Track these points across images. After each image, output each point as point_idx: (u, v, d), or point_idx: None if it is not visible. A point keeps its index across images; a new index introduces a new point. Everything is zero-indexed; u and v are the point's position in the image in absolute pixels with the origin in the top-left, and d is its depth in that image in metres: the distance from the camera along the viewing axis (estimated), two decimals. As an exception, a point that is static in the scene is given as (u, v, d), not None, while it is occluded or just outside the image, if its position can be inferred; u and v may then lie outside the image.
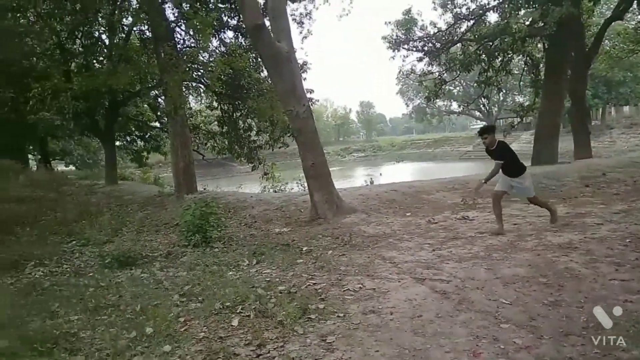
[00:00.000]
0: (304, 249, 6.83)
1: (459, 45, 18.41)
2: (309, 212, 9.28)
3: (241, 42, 16.27)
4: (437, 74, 19.76)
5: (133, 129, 21.87)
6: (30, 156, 26.16)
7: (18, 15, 13.94)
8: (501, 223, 6.74)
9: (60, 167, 29.81)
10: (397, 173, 34.14)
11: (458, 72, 18.71)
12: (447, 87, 28.52)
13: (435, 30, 18.50)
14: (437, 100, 35.52)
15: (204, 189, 14.86)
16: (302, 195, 11.27)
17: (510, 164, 6.66)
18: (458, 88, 61.38)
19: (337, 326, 3.96)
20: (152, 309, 4.58)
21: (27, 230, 8.18)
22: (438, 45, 18.30)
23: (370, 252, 6.37)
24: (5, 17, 13.01)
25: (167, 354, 3.67)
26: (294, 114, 9.13)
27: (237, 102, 16.88)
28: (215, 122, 19.39)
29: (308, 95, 12.58)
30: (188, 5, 13.98)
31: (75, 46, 16.65)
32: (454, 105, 65.62)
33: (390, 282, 5.01)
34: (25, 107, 16.32)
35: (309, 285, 5.15)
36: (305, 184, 10.23)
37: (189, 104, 19.23)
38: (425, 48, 18.66)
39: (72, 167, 30.73)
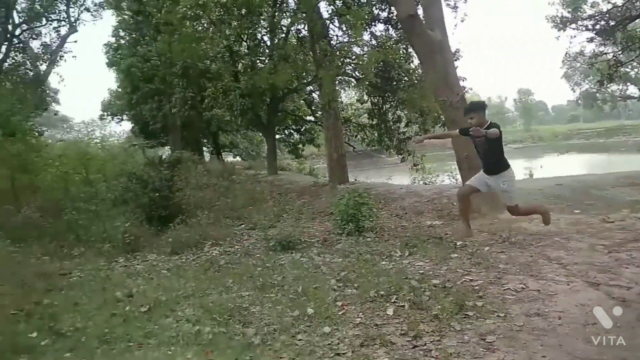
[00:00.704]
0: (458, 243, 6.64)
1: (638, 21, 15.99)
2: (462, 206, 8.97)
3: (391, 34, 16.25)
4: (611, 54, 17.44)
5: (290, 122, 23.34)
6: (204, 149, 29.54)
7: (194, 23, 15.78)
8: (467, 223, 5.38)
9: (228, 159, 33.06)
10: (562, 165, 31.06)
11: (638, 52, 16.27)
12: (623, 69, 24.95)
13: (610, 7, 16.31)
14: (611, 85, 31.23)
15: (355, 179, 15.28)
16: (455, 187, 10.92)
17: (490, 155, 4.94)
18: (637, 70, 53.16)
19: (498, 326, 3.80)
20: (312, 291, 4.89)
21: (205, 214, 9.32)
22: (612, 22, 16.10)
23: (533, 251, 5.94)
24: (184, 25, 14.82)
25: (327, 335, 3.91)
26: (447, 104, 8.87)
27: (387, 94, 16.96)
28: (365, 115, 19.71)
29: (460, 83, 12.09)
30: (341, 1, 14.41)
31: (241, 48, 18.26)
32: (632, 90, 56.98)
33: (558, 284, 4.63)
34: (201, 105, 18.53)
35: (465, 281, 5.01)
36: (458, 176, 9.90)
37: (341, 97, 19.83)
38: (597, 27, 16.57)
39: (238, 158, 33.89)
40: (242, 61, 18.07)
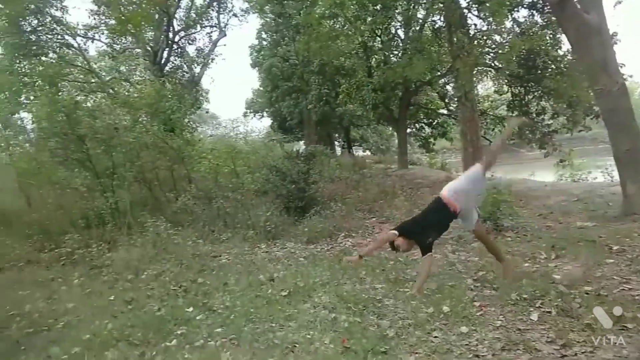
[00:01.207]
0: (614, 247, 5.93)
1: None
2: (620, 206, 7.98)
3: (537, 20, 14.98)
4: None
5: (422, 116, 22.89)
6: (336, 143, 30.37)
7: (331, 21, 16.23)
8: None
9: (358, 153, 33.56)
10: None
11: None
12: None
13: None
14: None
15: (492, 175, 14.45)
16: (610, 186, 9.77)
17: None
18: None
19: (663, 343, 3.34)
20: (447, 289, 4.76)
21: (338, 206, 9.58)
22: None
23: None
24: (322, 25, 15.32)
25: (464, 334, 3.77)
26: (605, 92, 7.93)
27: (529, 84, 15.71)
28: (504, 107, 18.53)
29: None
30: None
31: (375, 43, 18.35)
32: None
33: None
34: (335, 101, 19.05)
35: (623, 289, 4.47)
36: (614, 173, 8.83)
37: (477, 89, 18.89)
38: None
39: (367, 152, 34.22)
40: (376, 56, 18.14)
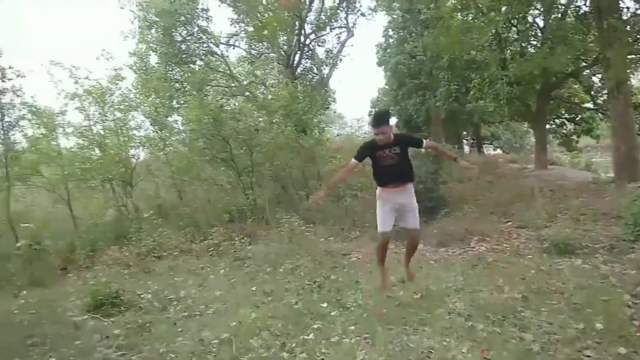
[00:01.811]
0: None
1: None
2: None
3: None
4: None
5: (563, 111, 20.99)
6: (464, 141, 29.18)
7: (464, 13, 15.58)
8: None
9: (487, 151, 31.90)
10: None
11: None
12: None
13: None
14: None
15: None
16: None
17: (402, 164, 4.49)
18: None
19: None
20: (600, 303, 4.33)
21: (470, 208, 9.22)
22: None
23: None
24: (454, 18, 14.78)
25: (622, 356, 3.43)
26: None
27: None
28: (663, 99, 16.23)
29: None
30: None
31: (510, 34, 17.25)
32: None
33: None
34: (465, 97, 18.30)
35: None
36: None
37: (631, 80, 16.78)
38: None
39: (498, 151, 32.36)
40: (511, 48, 17.06)
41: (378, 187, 4.64)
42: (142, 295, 6.11)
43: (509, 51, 16.96)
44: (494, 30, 15.69)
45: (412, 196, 4.65)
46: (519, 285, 5.19)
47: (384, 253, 4.83)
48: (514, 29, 16.67)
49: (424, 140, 4.72)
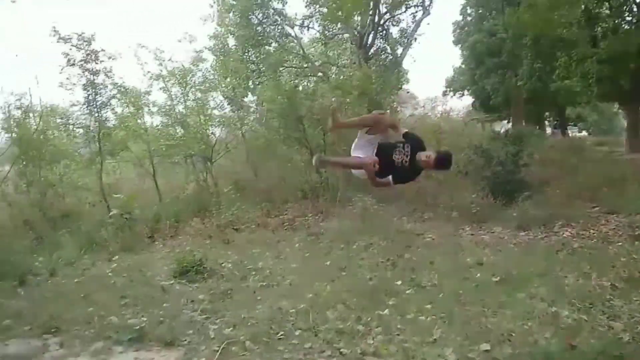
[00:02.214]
0: None
1: None
2: None
3: None
4: None
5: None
6: (546, 122, 27.63)
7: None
8: None
9: (572, 133, 29.99)
10: None
11: None
12: None
13: None
14: None
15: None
16: None
17: None
18: None
19: None
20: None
21: (554, 192, 8.76)
22: None
23: None
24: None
25: None
26: None
27: None
28: None
29: None
30: None
31: (602, 10, 16.00)
32: None
33: None
34: (550, 77, 17.26)
35: None
36: None
37: None
38: None
39: (584, 133, 30.35)
40: (602, 24, 15.82)
41: None
42: (223, 265, 6.43)
43: (599, 28, 15.76)
44: (583, 6, 14.62)
45: None
46: (608, 273, 4.91)
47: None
48: (606, 4, 15.45)
49: None
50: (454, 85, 27.85)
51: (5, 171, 11.35)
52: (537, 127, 20.46)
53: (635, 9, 15.10)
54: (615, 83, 15.55)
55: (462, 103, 28.99)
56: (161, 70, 11.82)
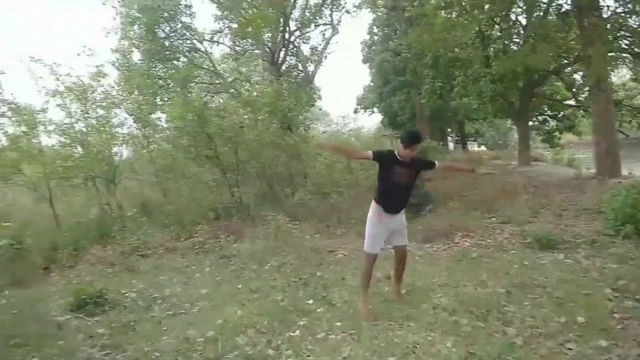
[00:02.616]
0: None
1: None
2: None
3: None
4: None
5: (545, 108, 21.31)
6: (449, 138, 29.44)
7: (447, 11, 15.69)
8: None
9: (472, 148, 32.17)
10: None
11: None
12: None
13: None
14: None
15: (630, 172, 13.01)
16: None
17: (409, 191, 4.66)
18: None
19: None
20: (581, 297, 4.42)
21: (454, 204, 9.30)
22: None
23: None
24: (437, 15, 14.88)
25: (603, 348, 3.49)
26: None
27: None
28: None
29: None
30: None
31: (493, 32, 17.44)
32: None
33: None
34: (449, 94, 18.46)
35: None
36: None
37: (611, 78, 17.11)
38: None
39: (482, 148, 32.67)
40: (494, 45, 17.27)
41: (376, 204, 4.60)
42: (126, 294, 6.04)
43: (492, 49, 17.17)
44: (477, 28, 15.87)
45: (404, 215, 4.76)
46: (502, 280, 5.25)
47: (370, 276, 4.73)
48: (496, 26, 16.89)
49: (436, 162, 4.78)
50: (364, 103, 28.88)
51: None
52: (441, 142, 21.68)
53: (522, 32, 16.60)
54: (507, 101, 16.99)
55: (372, 120, 30.14)
56: (58, 86, 11.02)
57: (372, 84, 26.74)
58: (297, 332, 4.32)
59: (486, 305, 4.50)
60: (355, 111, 29.08)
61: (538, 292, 4.74)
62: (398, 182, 4.44)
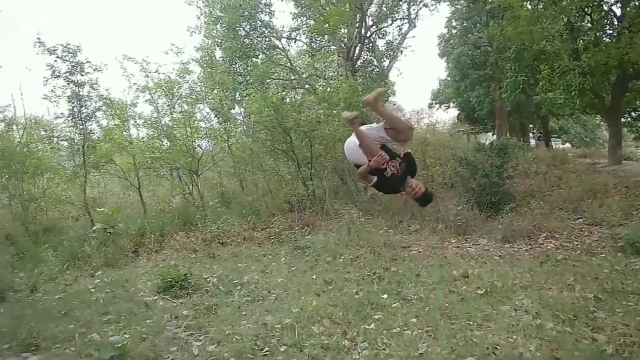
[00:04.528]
0: None
1: None
2: None
3: None
4: None
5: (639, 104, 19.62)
6: (530, 134, 27.96)
7: (530, 4, 14.87)
8: None
9: (556, 145, 30.34)
10: None
11: None
12: None
13: None
14: None
15: None
16: None
17: None
18: None
19: None
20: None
21: (537, 203, 8.85)
22: None
23: None
24: (522, 7, 14.15)
25: None
26: None
27: None
28: None
29: None
30: None
31: (583, 23, 16.31)
32: None
33: None
34: (533, 89, 17.52)
35: None
36: None
37: None
38: None
39: (567, 145, 30.73)
40: (584, 37, 16.12)
41: None
42: (208, 279, 6.37)
43: (581, 41, 16.04)
44: (565, 19, 14.90)
45: None
46: (591, 285, 4.96)
47: None
48: (587, 17, 15.76)
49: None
50: (439, 98, 28.13)
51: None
52: (522, 139, 20.61)
53: (615, 22, 15.38)
54: (597, 95, 15.84)
55: (447, 115, 29.32)
56: (147, 82, 11.76)
57: (448, 78, 25.96)
58: (372, 325, 4.35)
59: (573, 310, 4.28)
60: (430, 106, 28.43)
61: (632, 300, 4.42)
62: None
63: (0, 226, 10.82)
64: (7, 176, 10.65)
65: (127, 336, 4.45)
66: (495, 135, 22.06)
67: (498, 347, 3.70)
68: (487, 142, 12.10)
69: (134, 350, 4.13)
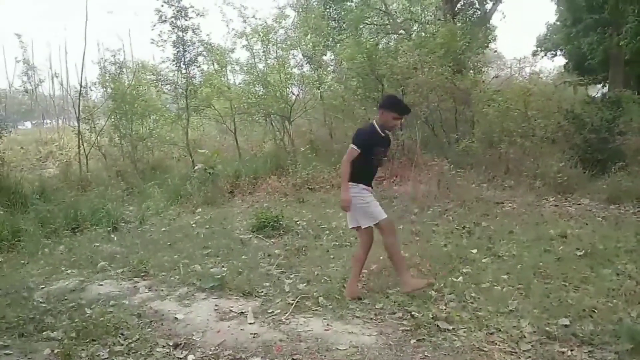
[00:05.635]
0: None
1: None
2: None
3: None
4: None
5: None
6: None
7: None
8: None
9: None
10: None
11: None
12: None
13: None
14: None
15: None
16: None
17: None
18: None
19: None
20: None
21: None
22: None
23: None
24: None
25: None
26: None
27: None
28: None
29: None
30: None
31: None
32: None
33: None
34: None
35: None
36: None
37: None
38: None
39: None
40: None
41: (357, 184, 4.07)
42: (298, 222, 6.64)
43: None
44: None
45: None
46: None
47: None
48: None
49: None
50: (545, 44, 25.86)
51: (101, 124, 12.28)
52: (638, 92, 18.54)
53: None
54: None
55: (553, 64, 26.97)
56: (245, 28, 11.99)
57: (558, 22, 23.64)
58: (461, 279, 4.31)
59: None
60: (534, 54, 26.25)
61: None
62: (377, 164, 4.23)
63: (112, 163, 11.97)
64: (118, 117, 11.62)
65: (225, 269, 4.82)
66: (606, 88, 20.06)
67: (595, 310, 3.53)
68: (599, 94, 11.05)
69: (231, 282, 4.47)
